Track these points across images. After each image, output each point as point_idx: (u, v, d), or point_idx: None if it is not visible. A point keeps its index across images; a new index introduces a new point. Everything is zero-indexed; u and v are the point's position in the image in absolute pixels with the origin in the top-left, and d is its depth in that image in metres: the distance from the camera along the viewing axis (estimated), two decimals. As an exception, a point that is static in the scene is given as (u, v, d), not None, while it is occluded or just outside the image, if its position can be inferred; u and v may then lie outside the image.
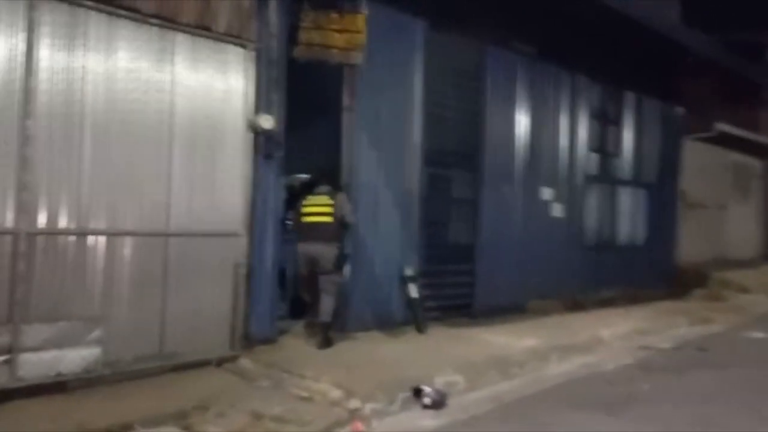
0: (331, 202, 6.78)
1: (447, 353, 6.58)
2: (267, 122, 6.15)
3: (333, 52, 5.96)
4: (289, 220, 8.46)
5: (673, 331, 8.93)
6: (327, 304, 6.64)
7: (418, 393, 5.32)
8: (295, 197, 8.28)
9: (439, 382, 5.62)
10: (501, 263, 9.09)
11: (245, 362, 6.00)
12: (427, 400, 5.23)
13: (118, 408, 4.76)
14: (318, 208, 6.84)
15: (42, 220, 4.96)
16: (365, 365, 5.97)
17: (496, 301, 8.94)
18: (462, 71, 8.68)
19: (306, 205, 6.92)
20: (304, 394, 5.26)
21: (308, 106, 9.95)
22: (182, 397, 5.05)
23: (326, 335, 6.62)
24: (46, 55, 4.94)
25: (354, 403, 5.06)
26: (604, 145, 11.29)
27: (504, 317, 8.66)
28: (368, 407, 5.06)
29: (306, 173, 9.69)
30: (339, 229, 6.79)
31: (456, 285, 8.55)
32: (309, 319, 7.20)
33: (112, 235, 5.31)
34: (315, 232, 6.71)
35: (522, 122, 9.55)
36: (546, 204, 9.98)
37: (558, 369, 6.58)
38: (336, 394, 5.20)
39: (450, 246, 8.59)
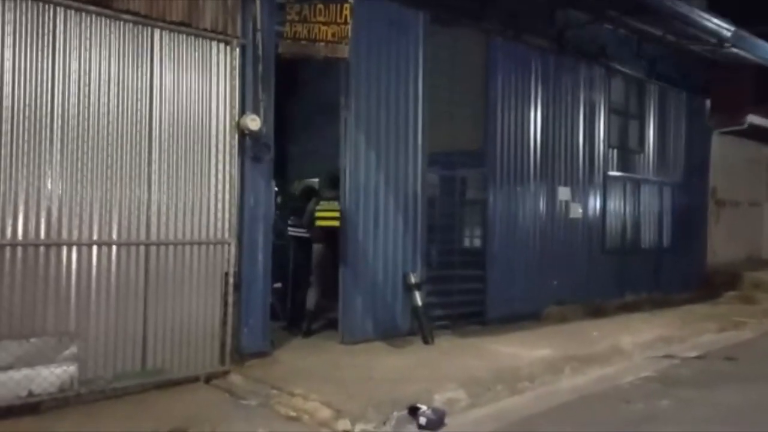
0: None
1: (451, 366, 6.17)
2: (254, 123, 5.82)
3: (319, 46, 5.60)
4: (293, 225, 8.19)
5: (701, 338, 8.37)
6: (312, 297, 7.28)
7: (413, 412, 4.90)
8: (300, 201, 8.25)
9: (439, 399, 5.21)
10: (514, 268, 8.64)
11: (235, 378, 5.67)
12: (422, 420, 4.82)
13: (92, 430, 4.46)
14: (329, 213, 7.09)
15: (9, 230, 4.68)
16: (361, 380, 5.59)
17: (509, 308, 8.48)
18: (468, 66, 8.26)
19: (319, 211, 7.24)
20: (292, 413, 4.90)
21: (320, 107, 9.72)
22: (161, 417, 4.73)
23: (309, 325, 7.24)
24: (10, 55, 4.68)
25: (343, 424, 4.68)
26: (625, 141, 10.75)
27: (518, 325, 8.19)
28: (358, 428, 4.67)
29: (315, 177, 9.45)
30: None
31: (466, 292, 8.11)
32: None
33: (86, 245, 5.03)
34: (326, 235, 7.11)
35: (536, 118, 9.08)
36: (563, 204, 9.49)
37: (571, 383, 6.10)
38: (325, 413, 4.82)
39: (458, 250, 8.16)
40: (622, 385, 6.08)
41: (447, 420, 4.89)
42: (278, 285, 7.60)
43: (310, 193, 8.37)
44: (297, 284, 8.59)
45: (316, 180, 9.64)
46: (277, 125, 11.68)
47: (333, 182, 7.18)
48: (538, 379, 6.00)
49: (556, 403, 5.47)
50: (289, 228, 8.44)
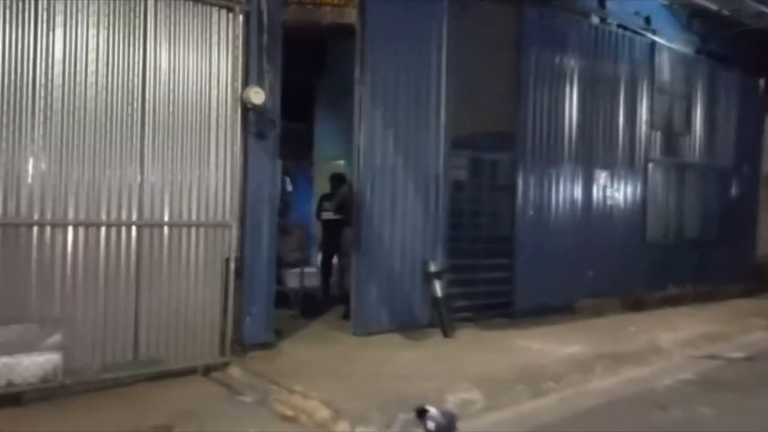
0: None
1: (469, 362, 5.68)
2: (257, 96, 5.39)
3: (325, 11, 5.16)
4: (328, 210, 7.95)
5: (748, 337, 7.66)
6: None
7: (421, 414, 4.41)
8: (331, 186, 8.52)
9: (451, 400, 4.72)
10: (545, 257, 8.04)
11: (234, 371, 5.30)
12: (430, 425, 4.33)
13: (72, 424, 4.14)
14: None
15: (-14, 210, 4.37)
16: (368, 376, 5.15)
17: (539, 299, 7.91)
18: (499, 40, 7.66)
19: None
20: (289, 412, 4.49)
21: (349, 86, 9.27)
22: (149, 412, 4.39)
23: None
24: None
25: (341, 426, 4.26)
26: (670, 123, 9.94)
27: (548, 319, 7.64)
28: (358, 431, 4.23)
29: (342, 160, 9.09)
30: None
31: (492, 282, 7.58)
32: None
33: (72, 225, 4.68)
34: None
35: (572, 97, 8.43)
36: (601, 190, 8.82)
37: (601, 384, 5.54)
38: (323, 413, 4.40)
39: (484, 238, 7.61)
40: (658, 389, 5.49)
41: (458, 424, 4.40)
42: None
43: (341, 178, 8.35)
44: (327, 268, 8.35)
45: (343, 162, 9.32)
46: (305, 105, 11.34)
47: None
48: (564, 379, 5.46)
49: (583, 408, 4.93)
50: (323, 212, 8.36)
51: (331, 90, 10.14)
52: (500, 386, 5.07)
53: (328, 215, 8.30)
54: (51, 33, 4.57)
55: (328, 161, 10.81)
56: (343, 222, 7.80)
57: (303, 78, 10.13)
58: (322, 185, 9.72)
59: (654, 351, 6.59)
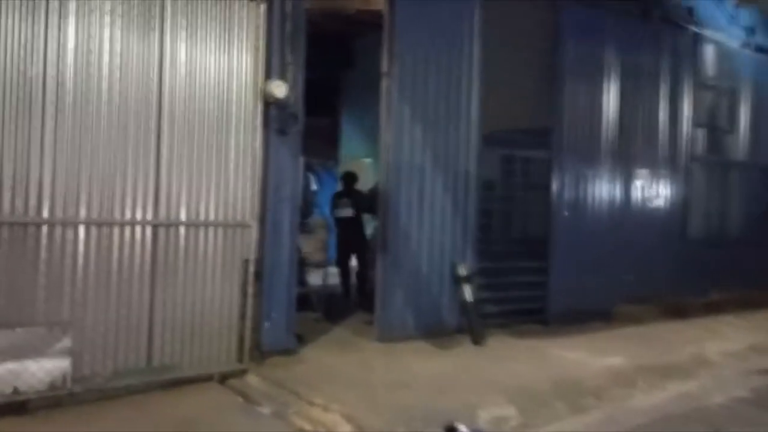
0: None
1: (502, 374, 5.32)
2: (279, 89, 5.10)
3: (351, -2, 4.80)
4: (344, 207, 7.77)
5: (803, 349, 7.13)
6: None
7: (451, 432, 4.09)
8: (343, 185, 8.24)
9: (484, 416, 4.37)
10: (581, 260, 7.63)
11: (252, 379, 5.02)
12: (461, 445, 4.00)
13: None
14: None
15: (-7, 207, 4.14)
16: (393, 387, 4.82)
17: (574, 305, 7.49)
18: (533, 30, 7.26)
19: None
20: (307, 427, 4.19)
21: (376, 82, 8.99)
22: (159, 422, 4.15)
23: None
24: None
25: (363, 445, 3.95)
26: (714, 120, 9.42)
27: (584, 326, 7.22)
28: (381, 451, 3.92)
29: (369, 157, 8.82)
30: None
31: (525, 286, 7.19)
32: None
33: (84, 224, 4.44)
34: None
35: (610, 92, 8.00)
36: (640, 190, 8.37)
37: (646, 400, 5.11)
38: (345, 429, 4.10)
39: (517, 239, 7.24)
40: (710, 407, 5.05)
41: (491, 444, 4.07)
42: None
43: (353, 176, 8.21)
44: (345, 269, 8.10)
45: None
46: (331, 101, 11.07)
47: None
48: (605, 393, 5.06)
49: (628, 428, 4.52)
50: (338, 210, 8.11)
51: (358, 86, 9.84)
52: (537, 401, 4.70)
53: (345, 213, 8.01)
54: (63, 25, 4.34)
55: (354, 159, 10.51)
56: (359, 221, 7.63)
57: (329, 74, 9.87)
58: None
59: (700, 363, 6.14)
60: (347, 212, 7.96)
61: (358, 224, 7.92)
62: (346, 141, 11.37)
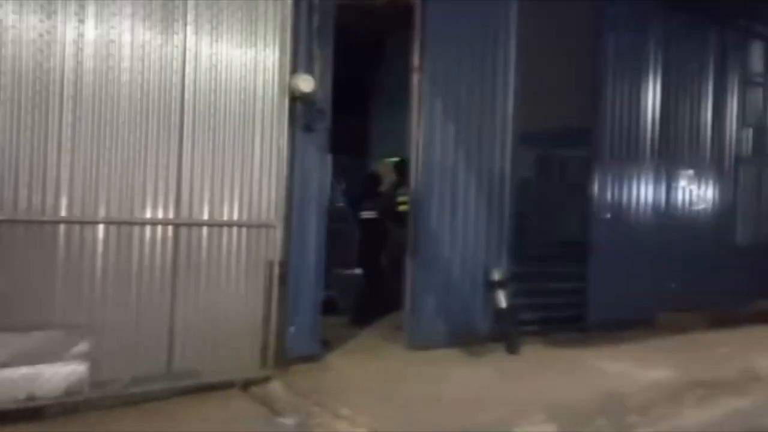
0: None
1: (540, 386, 5.01)
2: (306, 84, 4.87)
3: (382, -12, 4.54)
4: (368, 209, 7.56)
5: None
6: None
7: (487, 451, 3.81)
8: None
9: (522, 434, 4.08)
10: (622, 265, 7.26)
11: (276, 387, 4.78)
12: (498, 465, 3.72)
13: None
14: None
15: (8, 204, 3.97)
16: (425, 401, 4.54)
17: (614, 312, 7.13)
18: (572, 24, 6.92)
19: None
20: (332, 441, 3.94)
21: (406, 81, 8.77)
22: (178, 433, 3.93)
23: None
24: (12, 21, 3.95)
25: (393, 463, 3.68)
26: (764, 119, 8.94)
27: (624, 334, 6.86)
28: (412, 471, 3.65)
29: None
30: None
31: (562, 292, 6.85)
32: None
33: (103, 223, 4.26)
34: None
35: (653, 89, 7.61)
36: (684, 192, 7.95)
37: (696, 418, 4.75)
38: (373, 445, 3.83)
39: (554, 243, 6.89)
40: (766, 427, 4.67)
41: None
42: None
43: (376, 177, 8.07)
44: (368, 271, 7.85)
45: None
46: (359, 102, 10.85)
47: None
48: (652, 410, 4.71)
49: (678, 449, 4.19)
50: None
51: (388, 85, 9.59)
52: (579, 419, 4.37)
53: (369, 214, 7.77)
54: (82, 20, 4.17)
55: (384, 159, 10.26)
56: (383, 223, 7.51)
57: (358, 73, 9.65)
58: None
59: (752, 378, 5.73)
60: (370, 214, 7.77)
61: (380, 226, 7.69)
62: (376, 141, 11.13)
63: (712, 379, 5.51)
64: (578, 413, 4.45)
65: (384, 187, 7.83)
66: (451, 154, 5.93)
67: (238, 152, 4.79)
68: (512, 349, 5.95)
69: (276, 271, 4.88)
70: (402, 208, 7.15)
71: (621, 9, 7.21)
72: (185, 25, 4.55)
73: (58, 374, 4.08)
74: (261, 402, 4.55)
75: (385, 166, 9.44)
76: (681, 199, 7.98)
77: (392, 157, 9.45)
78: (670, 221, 7.83)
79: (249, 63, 4.82)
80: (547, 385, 5.06)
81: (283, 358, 5.00)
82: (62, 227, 4.13)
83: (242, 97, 4.79)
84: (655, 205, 7.67)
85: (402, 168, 7.89)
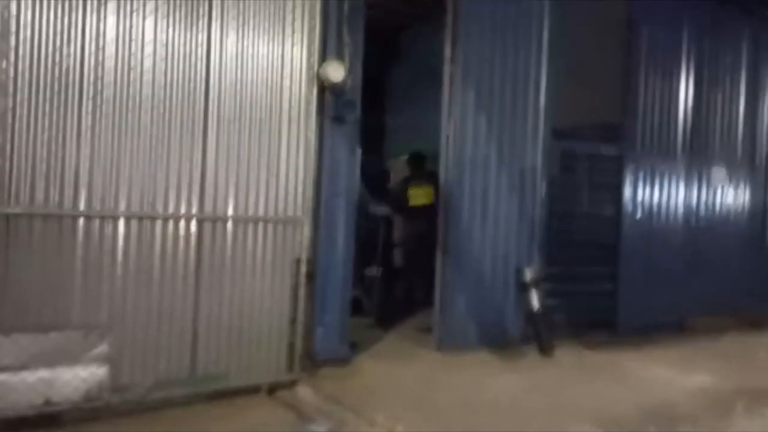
0: None
1: (580, 393, 4.75)
2: (336, 72, 4.62)
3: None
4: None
5: None
6: None
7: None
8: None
9: (570, 445, 3.83)
10: (652, 266, 6.98)
11: (304, 391, 4.54)
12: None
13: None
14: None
15: (26, 197, 3.73)
16: (461, 409, 4.30)
17: (644, 315, 6.86)
18: (604, 16, 6.64)
19: None
20: (369, 451, 3.69)
21: (422, 77, 8.53)
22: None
23: None
24: (28, 17, 3.71)
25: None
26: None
27: (656, 338, 6.60)
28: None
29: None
30: None
31: (592, 293, 6.58)
32: None
33: (124, 217, 4.02)
34: None
35: (685, 85, 7.33)
36: (716, 190, 7.68)
37: (749, 427, 4.50)
38: (413, 456, 3.59)
39: (584, 242, 6.62)
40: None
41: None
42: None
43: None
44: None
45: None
46: (376, 97, 10.61)
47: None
48: (702, 420, 4.44)
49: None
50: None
51: (404, 81, 9.34)
52: (627, 429, 4.12)
53: (381, 210, 7.57)
54: (102, 12, 3.93)
55: (401, 155, 10.01)
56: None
57: (374, 69, 9.39)
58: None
59: (799, 385, 5.47)
60: (382, 211, 7.55)
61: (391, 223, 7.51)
62: (392, 138, 10.87)
63: (758, 386, 5.26)
64: (625, 422, 4.20)
65: (394, 182, 7.63)
66: (483, 148, 5.67)
67: (265, 145, 4.55)
68: (546, 352, 5.70)
69: (303, 268, 4.64)
70: (414, 202, 7.10)
71: (653, 4, 6.94)
72: (210, 12, 4.31)
73: (77, 378, 3.84)
74: (289, 407, 4.31)
75: (396, 163, 9.22)
76: (711, 197, 7.70)
77: (404, 154, 9.23)
78: (700, 220, 7.54)
79: (276, 51, 4.57)
80: (588, 392, 4.80)
81: (311, 360, 4.77)
82: (81, 222, 3.90)
83: (269, 86, 4.55)
84: (686, 204, 7.37)
85: (415, 162, 7.66)
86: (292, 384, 4.58)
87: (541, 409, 4.35)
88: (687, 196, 7.38)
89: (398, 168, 8.99)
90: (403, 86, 9.63)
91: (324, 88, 4.71)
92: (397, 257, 7.69)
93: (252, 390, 4.46)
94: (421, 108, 8.71)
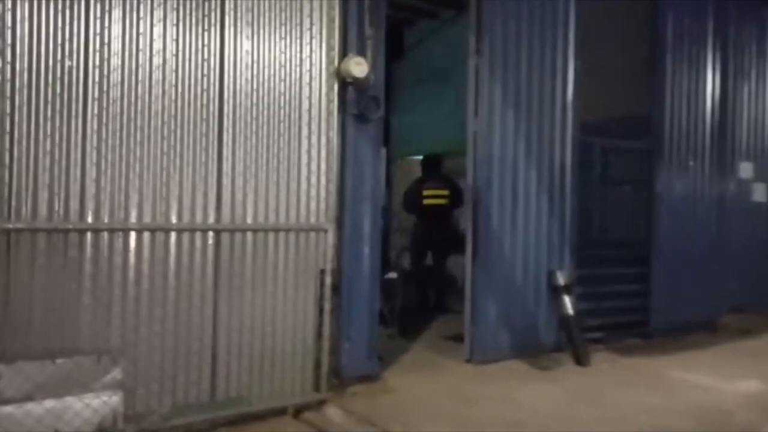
0: None
1: (623, 404, 4.43)
2: (359, 67, 4.28)
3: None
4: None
5: None
6: None
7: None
8: None
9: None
10: (683, 265, 6.67)
11: (333, 412, 4.20)
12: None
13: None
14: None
15: (27, 211, 3.40)
16: (503, 426, 3.97)
17: (677, 315, 6.56)
18: (632, 12, 6.35)
19: None
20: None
21: (427, 75, 8.23)
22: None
23: None
24: (26, 11, 3.39)
25: None
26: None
27: (690, 339, 6.33)
28: None
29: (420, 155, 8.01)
30: None
31: (624, 295, 6.27)
32: None
33: (135, 230, 3.68)
34: None
35: (712, 76, 7.03)
36: (746, 184, 7.38)
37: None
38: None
39: (615, 242, 6.31)
40: None
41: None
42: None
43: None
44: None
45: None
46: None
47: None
48: (763, 430, 4.14)
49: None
50: None
51: (407, 79, 9.00)
52: (688, 445, 3.81)
53: None
54: (107, 12, 3.61)
55: (405, 156, 9.66)
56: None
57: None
58: (401, 183, 8.57)
59: None
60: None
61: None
62: (397, 137, 10.53)
63: (809, 391, 4.95)
64: (683, 437, 3.88)
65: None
66: (511, 146, 5.34)
67: (284, 148, 4.22)
68: (581, 360, 5.38)
69: (328, 280, 4.28)
70: (427, 202, 7.03)
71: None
72: (223, 10, 3.98)
73: (89, 407, 3.49)
74: (317, 430, 3.98)
75: (402, 164, 8.88)
76: (739, 192, 7.40)
77: (410, 155, 8.89)
78: (729, 217, 7.24)
79: (293, 47, 4.25)
80: (632, 402, 4.48)
81: (338, 378, 4.43)
82: (89, 236, 3.57)
83: (287, 85, 4.23)
84: (716, 200, 7.08)
85: (430, 163, 7.37)
86: (319, 404, 4.25)
87: (585, 422, 4.04)
88: (717, 190, 7.08)
89: (405, 169, 8.67)
90: (407, 85, 9.29)
91: (345, 85, 4.37)
92: (410, 261, 7.39)
93: (277, 413, 4.12)
94: (426, 107, 8.38)
